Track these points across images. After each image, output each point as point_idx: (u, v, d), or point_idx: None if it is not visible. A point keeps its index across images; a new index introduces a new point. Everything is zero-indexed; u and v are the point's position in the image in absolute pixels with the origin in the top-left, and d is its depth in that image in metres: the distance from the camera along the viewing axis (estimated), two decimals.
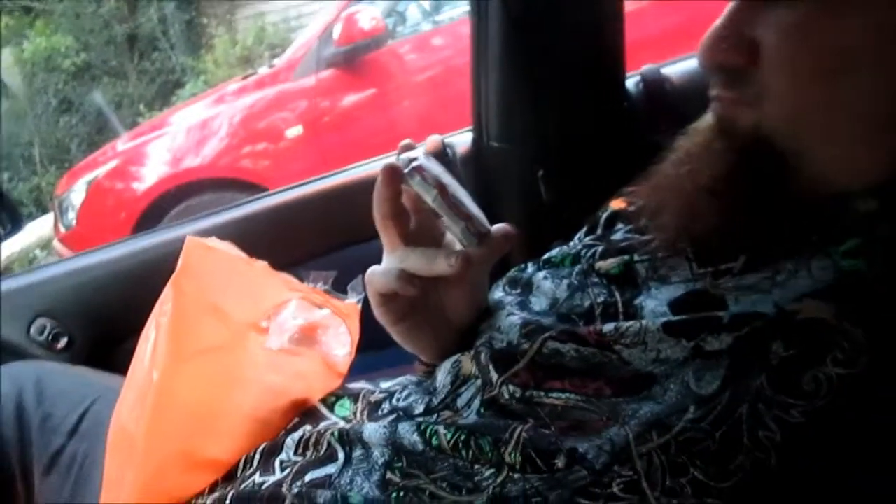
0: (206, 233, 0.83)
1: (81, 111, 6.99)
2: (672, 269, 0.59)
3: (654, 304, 0.56)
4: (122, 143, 3.82)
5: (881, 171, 0.52)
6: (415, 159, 0.61)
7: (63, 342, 1.13)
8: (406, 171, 0.61)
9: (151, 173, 3.41)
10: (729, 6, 0.56)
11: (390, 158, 0.63)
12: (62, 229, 3.55)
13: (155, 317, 0.73)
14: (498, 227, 0.63)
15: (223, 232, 0.83)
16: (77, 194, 3.48)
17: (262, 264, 0.80)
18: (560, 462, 0.50)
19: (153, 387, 0.68)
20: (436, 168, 0.62)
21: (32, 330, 1.13)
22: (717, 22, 0.56)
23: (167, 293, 0.72)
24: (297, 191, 1.13)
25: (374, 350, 0.74)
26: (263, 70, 3.66)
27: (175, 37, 7.31)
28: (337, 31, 3.10)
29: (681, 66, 1.07)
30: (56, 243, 3.68)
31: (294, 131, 3.22)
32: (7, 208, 1.11)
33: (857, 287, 0.48)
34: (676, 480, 0.47)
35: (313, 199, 1.09)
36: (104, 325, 1.14)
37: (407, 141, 0.66)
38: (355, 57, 3.16)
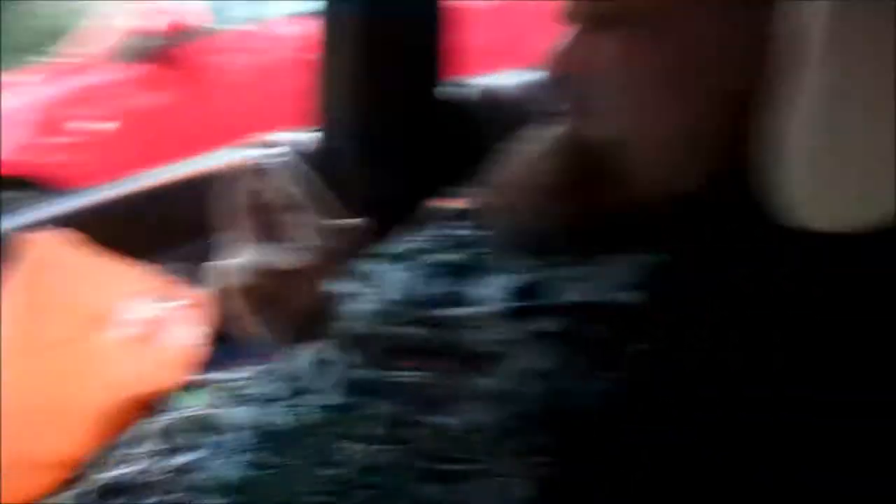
0: (44, 224, 0.80)
1: None
2: (509, 260, 0.66)
3: (494, 292, 0.63)
4: None
5: (693, 182, 0.62)
6: (267, 154, 0.64)
7: None
8: (258, 167, 0.64)
9: None
10: (567, 26, 0.64)
11: (249, 153, 0.66)
12: None
13: None
14: (349, 221, 0.67)
15: (67, 223, 0.80)
16: None
17: (112, 257, 0.78)
18: (421, 433, 0.55)
19: None
20: (287, 164, 0.65)
21: None
22: (562, 38, 0.64)
23: (12, 288, 0.69)
24: (146, 182, 1.10)
25: (230, 343, 0.75)
26: (67, 58, 3.42)
27: None
28: (154, 22, 2.98)
29: (517, 78, 1.17)
30: None
31: (103, 126, 3.04)
32: None
33: (661, 276, 0.57)
34: (515, 443, 0.53)
35: (165, 190, 1.07)
36: None
37: (265, 137, 0.69)
38: (173, 50, 3.04)
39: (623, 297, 0.55)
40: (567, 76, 0.63)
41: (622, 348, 0.53)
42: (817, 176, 0.49)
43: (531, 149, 0.68)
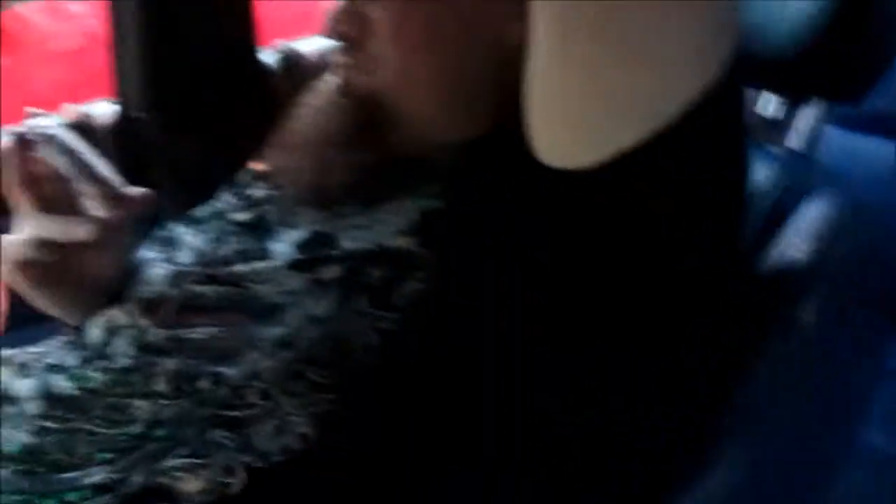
0: None
1: None
2: (298, 215, 0.69)
3: (283, 246, 0.66)
4: None
5: (467, 130, 0.67)
6: (44, 127, 0.64)
7: None
8: (34, 138, 0.63)
9: None
10: None
11: (18, 128, 0.65)
12: None
13: None
14: (133, 189, 0.68)
15: None
16: None
17: None
18: (205, 384, 0.58)
19: None
20: (66, 136, 0.65)
21: None
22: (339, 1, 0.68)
23: None
24: None
25: (20, 318, 0.74)
26: None
27: None
28: None
29: (312, 44, 1.18)
30: None
31: None
32: None
33: (432, 220, 0.62)
34: (297, 384, 0.57)
35: None
36: None
37: (34, 109, 0.68)
38: None
39: (399, 241, 0.60)
40: (342, 33, 0.67)
41: (396, 291, 0.58)
42: (550, 115, 0.53)
43: (309, 105, 0.72)
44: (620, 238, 0.55)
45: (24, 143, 0.64)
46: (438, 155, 0.67)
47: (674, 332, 0.60)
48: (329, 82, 0.72)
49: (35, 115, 0.67)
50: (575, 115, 0.51)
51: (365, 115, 0.67)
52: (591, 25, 0.47)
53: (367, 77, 0.67)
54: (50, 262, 0.66)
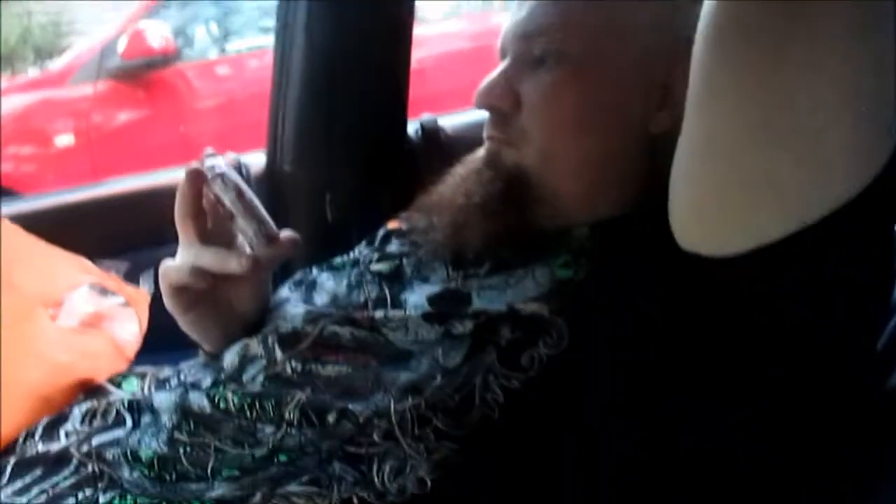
0: None
1: None
2: (432, 271, 0.72)
3: (416, 298, 0.69)
4: None
5: (606, 209, 0.69)
6: (217, 165, 0.70)
7: None
8: (209, 174, 0.69)
9: None
10: (501, 64, 0.73)
11: (194, 164, 0.71)
12: None
13: None
14: (285, 232, 0.72)
15: (21, 220, 0.84)
16: None
17: (62, 250, 0.83)
18: (332, 418, 0.60)
19: None
20: (234, 175, 0.71)
21: None
22: (492, 74, 0.72)
23: None
24: (96, 190, 1.15)
25: (161, 351, 0.79)
26: (33, 72, 3.43)
27: None
28: (122, 44, 3.01)
29: (453, 119, 1.25)
30: None
31: (64, 140, 3.05)
32: None
33: (566, 290, 0.64)
34: (423, 429, 0.59)
35: (112, 199, 1.12)
36: None
37: (210, 150, 0.75)
38: (139, 73, 3.07)
39: (531, 307, 0.62)
40: (493, 106, 0.72)
41: (525, 353, 0.60)
42: (693, 203, 0.55)
43: (456, 174, 0.76)
44: (753, 321, 0.55)
45: (199, 177, 0.69)
46: (576, 230, 0.69)
47: (791, 419, 0.59)
48: (477, 155, 0.76)
49: (209, 155, 0.73)
50: (719, 205, 0.52)
51: (508, 187, 0.71)
52: (740, 120, 0.48)
53: (514, 151, 0.71)
54: (201, 290, 0.71)
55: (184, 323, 0.74)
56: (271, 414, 0.62)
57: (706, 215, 0.54)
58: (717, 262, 0.53)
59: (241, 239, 0.73)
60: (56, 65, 3.37)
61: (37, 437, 0.69)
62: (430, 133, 1.20)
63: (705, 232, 0.54)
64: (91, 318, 0.79)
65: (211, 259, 0.69)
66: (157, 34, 3.05)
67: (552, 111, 0.69)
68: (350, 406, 0.60)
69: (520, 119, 0.71)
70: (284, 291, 0.80)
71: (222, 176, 0.69)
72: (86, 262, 0.85)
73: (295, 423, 0.61)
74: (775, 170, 0.48)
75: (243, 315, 0.75)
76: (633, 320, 0.59)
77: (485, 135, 0.74)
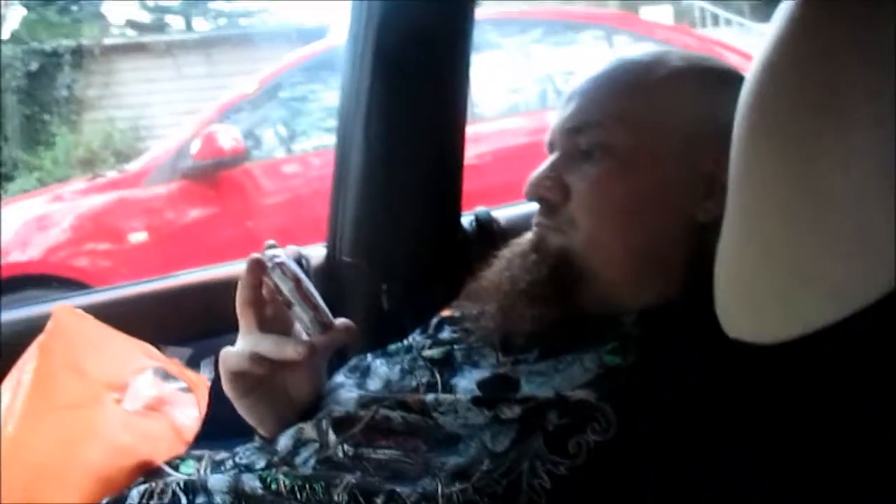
0: None
1: None
2: (482, 357, 0.73)
3: (466, 382, 0.70)
4: None
5: (652, 297, 0.70)
6: (277, 256, 0.73)
7: None
8: (269, 264, 0.73)
9: None
10: (551, 156, 0.76)
11: (255, 254, 0.75)
12: None
13: (14, 375, 0.78)
14: (341, 321, 0.75)
15: (90, 310, 0.89)
16: None
17: (127, 336, 0.87)
18: (380, 500, 0.61)
19: (6, 441, 0.72)
20: (293, 266, 0.74)
21: None
22: (542, 165, 0.75)
23: (31, 353, 0.77)
24: (163, 282, 1.21)
25: (220, 420, 0.81)
26: (112, 174, 3.63)
27: (11, 130, 7.05)
28: (196, 146, 3.18)
29: (508, 211, 1.28)
30: None
31: (138, 237, 3.20)
32: None
33: (614, 377, 0.64)
34: None
35: (177, 290, 1.17)
36: None
37: (271, 241, 0.78)
38: (210, 173, 3.22)
39: (579, 393, 0.62)
40: (542, 197, 0.74)
41: (572, 439, 0.60)
42: (738, 292, 0.54)
43: (503, 258, 0.78)
44: (800, 406, 0.55)
45: (260, 266, 0.73)
46: (623, 316, 0.69)
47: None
48: (524, 239, 0.78)
49: (269, 246, 0.76)
50: (763, 293, 0.51)
51: (554, 271, 0.72)
52: (780, 210, 0.48)
53: (562, 237, 0.73)
54: (259, 376, 0.73)
55: (241, 407, 0.76)
56: (321, 496, 0.63)
57: (751, 303, 0.54)
58: (763, 348, 0.53)
59: (297, 327, 0.75)
60: (133, 166, 3.56)
61: None
62: (484, 225, 1.23)
63: (751, 319, 0.54)
64: (153, 402, 0.82)
65: (269, 346, 0.71)
66: (228, 136, 3.21)
67: (599, 202, 0.71)
68: (398, 489, 0.61)
69: (568, 209, 0.73)
70: (339, 377, 0.82)
71: (281, 266, 0.72)
72: (151, 348, 0.89)
73: None
74: (818, 258, 0.47)
75: (298, 400, 0.77)
76: (681, 408, 0.59)
77: (533, 223, 0.77)
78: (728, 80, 0.72)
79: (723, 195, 0.54)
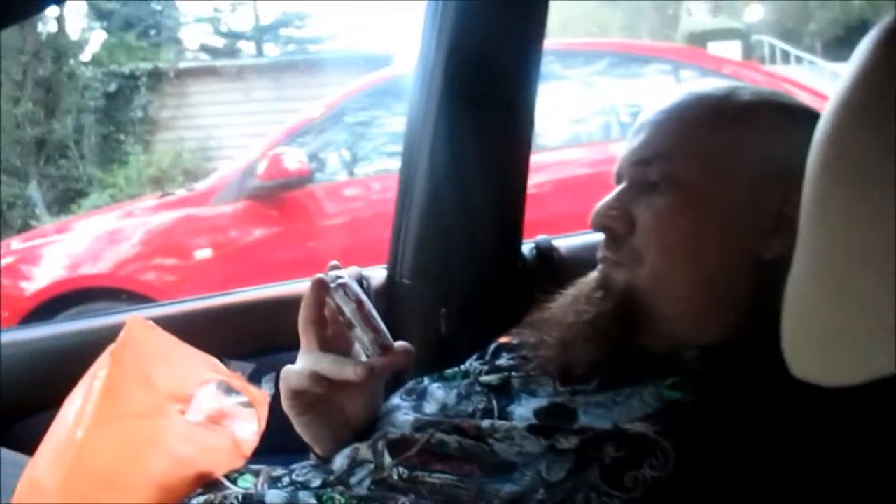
0: None
1: None
2: (540, 386, 0.73)
3: (523, 410, 0.70)
4: (18, 243, 3.77)
5: (716, 333, 0.69)
6: (340, 277, 0.74)
7: None
8: (332, 284, 0.74)
9: (44, 275, 3.34)
10: (617, 188, 0.75)
11: (319, 275, 0.76)
12: None
13: (87, 381, 0.80)
14: (400, 343, 0.75)
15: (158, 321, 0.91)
16: None
17: (192, 349, 0.89)
18: None
19: (75, 444, 0.74)
20: (356, 287, 0.75)
21: None
22: (607, 196, 0.75)
23: (103, 361, 0.80)
24: (230, 297, 1.24)
25: (279, 437, 0.82)
26: (181, 192, 3.75)
27: (88, 148, 7.34)
28: (262, 167, 3.25)
29: (567, 241, 1.27)
30: None
31: (203, 253, 3.28)
32: None
33: (674, 412, 0.63)
34: None
35: (242, 306, 1.20)
36: (7, 402, 1.16)
37: (335, 262, 0.80)
38: (274, 193, 3.30)
39: (637, 427, 0.62)
40: (607, 227, 0.74)
41: (629, 473, 0.59)
42: (806, 332, 0.53)
43: (569, 294, 0.78)
44: (865, 451, 0.53)
45: (323, 286, 0.74)
46: (685, 352, 0.68)
47: None
48: (590, 277, 0.78)
49: (333, 266, 0.78)
50: (832, 335, 0.50)
51: (619, 307, 0.72)
52: (853, 250, 0.46)
53: (626, 271, 0.72)
54: (318, 394, 0.74)
55: (299, 425, 0.77)
56: None
57: (820, 345, 0.52)
58: (829, 390, 0.51)
59: (357, 348, 0.76)
60: (201, 185, 3.66)
61: None
62: (545, 253, 1.23)
63: (819, 361, 0.52)
64: (215, 415, 0.84)
65: (328, 365, 0.72)
66: (294, 158, 3.28)
67: (665, 234, 0.71)
68: None
69: (633, 241, 0.72)
70: (396, 399, 0.82)
71: (344, 287, 0.73)
72: (216, 362, 0.91)
73: None
74: (891, 304, 0.45)
75: (355, 421, 0.78)
76: (741, 447, 0.58)
77: (598, 256, 0.76)
78: (800, 116, 0.71)
79: (790, 233, 0.53)
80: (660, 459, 0.59)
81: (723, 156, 0.70)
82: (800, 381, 0.52)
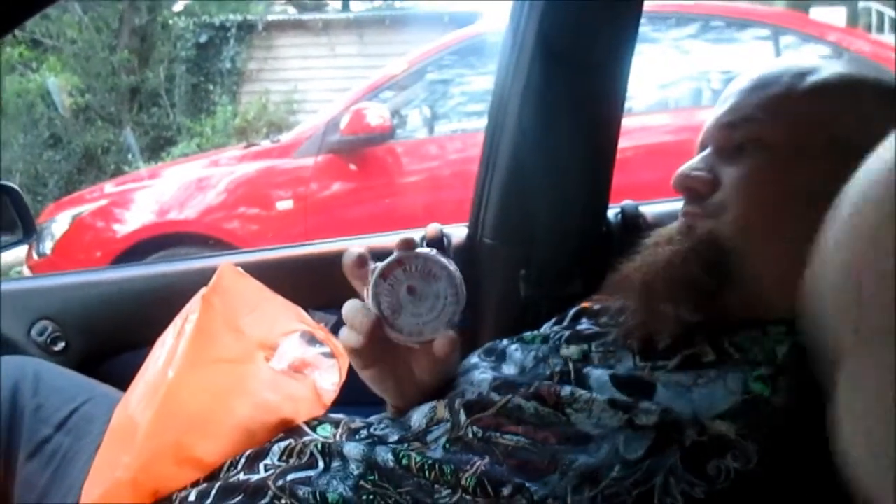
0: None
1: (68, 149, 7.10)
2: (619, 361, 0.72)
3: (603, 382, 0.69)
4: (111, 186, 3.92)
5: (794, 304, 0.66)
6: (420, 238, 0.74)
7: (60, 346, 1.21)
8: (412, 247, 0.72)
9: (135, 219, 3.49)
10: (703, 151, 0.75)
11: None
12: (35, 256, 3.56)
13: (177, 323, 0.83)
14: (439, 339, 0.72)
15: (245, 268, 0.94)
16: (59, 225, 3.52)
17: (279, 298, 0.91)
18: (506, 490, 0.61)
19: (167, 383, 0.77)
20: (435, 250, 0.74)
21: (33, 331, 1.21)
22: (692, 159, 0.75)
23: (195, 304, 0.83)
24: (317, 247, 1.27)
25: (356, 389, 0.84)
26: (265, 143, 3.82)
27: (178, 97, 7.53)
28: (345, 121, 3.28)
29: (654, 207, 1.24)
30: (25, 269, 3.70)
31: (284, 204, 3.35)
32: (23, 213, 1.08)
33: (759, 410, 0.61)
34: None
35: (327, 256, 1.22)
36: (101, 338, 1.22)
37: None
38: (356, 148, 3.33)
39: (718, 425, 0.60)
40: (692, 188, 0.73)
41: (712, 461, 0.58)
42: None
43: (648, 247, 0.76)
44: None
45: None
46: (772, 327, 0.66)
47: None
48: (670, 227, 0.76)
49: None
50: None
51: (702, 258, 0.70)
52: None
53: (710, 222, 0.71)
54: (375, 350, 0.73)
55: (365, 378, 0.78)
56: (449, 478, 0.64)
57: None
58: None
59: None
60: (285, 138, 3.73)
61: (239, 467, 0.75)
62: (630, 218, 1.21)
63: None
64: (298, 364, 0.86)
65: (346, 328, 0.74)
66: (376, 114, 3.30)
67: (750, 191, 0.71)
68: (526, 484, 0.61)
69: (717, 196, 0.72)
70: (474, 359, 0.82)
71: (420, 249, 0.72)
72: (302, 312, 0.93)
73: (471, 490, 0.62)
74: None
75: (422, 382, 0.78)
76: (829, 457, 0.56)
77: (680, 213, 0.75)
78: (888, 95, 0.70)
79: None
80: (742, 455, 0.57)
81: (809, 122, 0.70)
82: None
